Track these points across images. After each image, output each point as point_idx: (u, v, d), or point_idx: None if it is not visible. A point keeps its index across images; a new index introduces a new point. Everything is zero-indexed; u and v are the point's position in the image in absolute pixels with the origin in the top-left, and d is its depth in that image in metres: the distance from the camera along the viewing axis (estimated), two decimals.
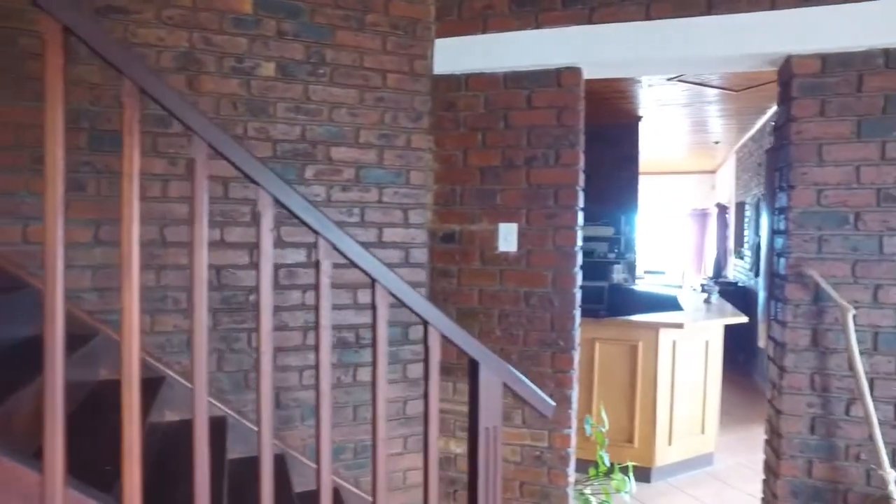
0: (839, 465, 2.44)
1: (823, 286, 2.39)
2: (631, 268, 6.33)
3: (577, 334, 2.84)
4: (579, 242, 2.76)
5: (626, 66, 2.75)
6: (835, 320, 2.42)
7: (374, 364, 1.53)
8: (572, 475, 2.88)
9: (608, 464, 2.97)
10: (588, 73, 2.79)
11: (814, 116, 2.45)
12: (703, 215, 10.03)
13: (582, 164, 2.78)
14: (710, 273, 7.88)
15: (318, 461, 1.46)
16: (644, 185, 10.67)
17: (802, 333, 2.48)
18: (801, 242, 2.47)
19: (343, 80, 2.74)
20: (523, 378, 1.70)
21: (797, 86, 2.47)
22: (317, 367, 1.47)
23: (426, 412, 1.59)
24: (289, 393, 2.71)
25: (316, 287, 1.47)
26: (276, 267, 2.65)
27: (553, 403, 1.75)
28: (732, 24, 2.50)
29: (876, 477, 2.34)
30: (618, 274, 6.12)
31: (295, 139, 2.68)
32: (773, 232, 2.76)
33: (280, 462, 2.54)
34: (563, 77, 2.71)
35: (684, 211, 10.56)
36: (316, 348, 1.48)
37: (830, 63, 2.43)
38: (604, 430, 3.04)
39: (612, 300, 5.86)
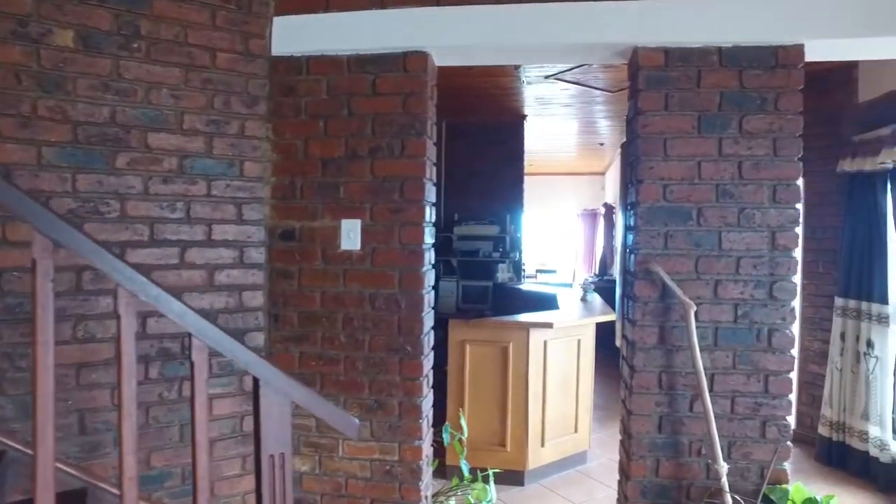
0: (683, 461, 2.42)
1: (668, 283, 2.35)
2: (516, 267, 6.32)
3: (429, 339, 2.68)
4: (428, 240, 2.59)
5: (477, 52, 2.61)
6: (680, 317, 2.39)
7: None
8: (427, 488, 2.71)
9: (468, 473, 2.82)
10: (438, 60, 2.64)
11: (659, 110, 2.41)
12: (593, 215, 10.33)
13: (431, 154, 2.62)
14: (597, 271, 8.09)
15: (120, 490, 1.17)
16: (538, 185, 10.89)
17: (651, 331, 2.44)
18: (649, 238, 2.43)
19: (163, 57, 2.42)
20: (318, 397, 1.49)
21: (643, 78, 2.42)
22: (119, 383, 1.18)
23: (193, 438, 1.34)
24: (97, 415, 2.35)
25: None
26: (79, 269, 2.30)
27: (356, 422, 1.55)
28: (582, 11, 2.42)
29: (714, 470, 2.32)
30: (503, 273, 6.07)
31: (102, 122, 2.33)
32: (626, 228, 2.72)
33: (79, 499, 2.19)
34: (409, 61, 2.53)
35: (576, 211, 10.84)
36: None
37: (673, 57, 2.40)
38: (463, 437, 2.89)
39: (497, 300, 5.80)
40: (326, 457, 2.64)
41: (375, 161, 2.56)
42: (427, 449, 2.68)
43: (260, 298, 2.66)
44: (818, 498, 2.27)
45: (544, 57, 2.64)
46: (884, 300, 3.85)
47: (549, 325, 3.72)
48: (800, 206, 2.36)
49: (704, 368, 2.39)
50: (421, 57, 2.52)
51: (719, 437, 2.39)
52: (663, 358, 2.42)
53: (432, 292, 2.72)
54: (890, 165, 3.73)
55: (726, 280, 2.39)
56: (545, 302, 4.92)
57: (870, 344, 3.94)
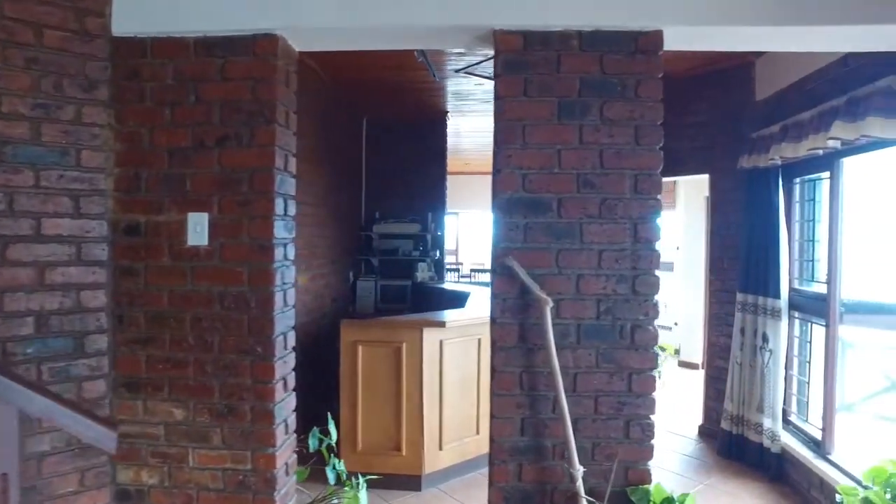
0: (546, 465, 2.27)
1: (523, 278, 2.20)
2: (438, 266, 6.14)
3: (286, 339, 2.47)
4: (282, 234, 2.38)
5: (332, 36, 2.41)
6: (540, 314, 2.24)
7: None
8: (288, 498, 2.49)
9: (333, 480, 2.61)
10: (295, 44, 2.43)
11: (518, 96, 2.26)
12: None
13: (284, 143, 2.41)
14: None
15: None
16: (476, 184, 10.76)
17: (511, 329, 2.28)
18: (508, 231, 2.27)
19: None
20: (63, 406, 1.25)
21: (501, 63, 2.27)
22: None
23: None
24: None
25: None
26: None
27: (113, 434, 1.32)
28: None
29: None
30: (423, 272, 5.88)
31: None
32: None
33: None
34: (258, 45, 2.31)
35: None
36: None
37: (532, 40, 2.25)
38: (332, 442, 2.68)
39: (416, 299, 5.62)
40: (176, 468, 2.40)
41: (223, 151, 2.33)
42: (286, 457, 2.46)
43: (102, 298, 2.40)
44: (675, 497, 2.15)
45: (403, 41, 2.46)
46: (776, 295, 3.81)
47: (441, 325, 3.54)
48: (660, 197, 2.24)
49: (567, 367, 2.25)
50: (271, 40, 2.31)
51: (584, 438, 2.26)
52: (524, 357, 2.26)
53: (291, 290, 2.51)
54: (779, 162, 3.69)
55: (588, 275, 2.24)
56: (458, 300, 4.75)
57: (765, 338, 3.90)
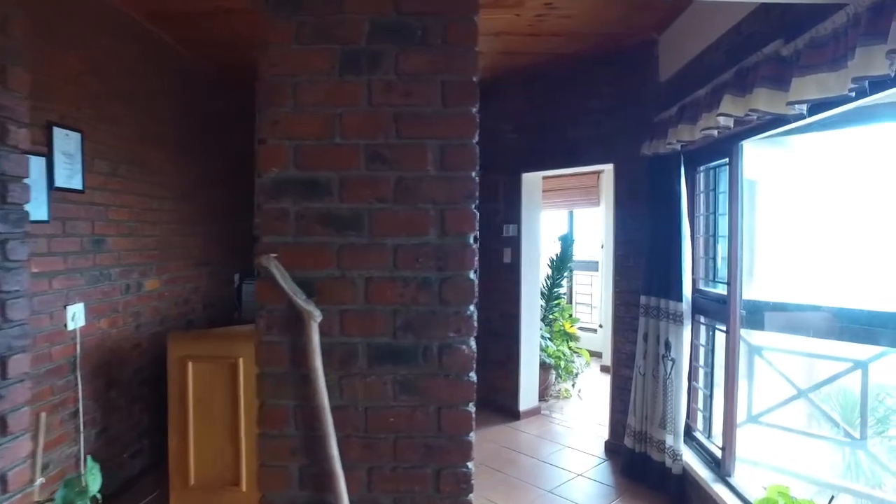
0: None
1: (280, 283, 1.58)
2: None
3: (2, 366, 1.79)
4: None
5: None
6: (308, 331, 1.62)
7: None
8: None
9: None
10: None
11: (288, 43, 1.64)
12: None
13: None
14: None
15: None
16: None
17: (279, 350, 1.66)
18: (273, 221, 1.65)
19: None
20: None
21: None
22: None
23: None
24: None
25: None
26: None
27: None
28: None
29: None
30: None
31: None
32: None
33: None
34: None
35: None
36: None
37: None
38: (97, 494, 2.02)
39: None
40: None
41: None
42: None
43: None
44: None
45: None
46: (679, 297, 3.28)
47: None
48: (475, 174, 1.65)
49: (354, 400, 1.64)
50: None
51: (380, 493, 1.65)
52: (298, 387, 1.65)
53: (17, 302, 1.84)
54: (678, 146, 3.16)
55: (380, 278, 1.64)
56: None
57: (667, 345, 3.36)
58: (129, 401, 3.33)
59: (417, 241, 1.63)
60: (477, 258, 1.66)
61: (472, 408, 1.65)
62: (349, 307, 1.63)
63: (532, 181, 4.70)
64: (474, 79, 1.63)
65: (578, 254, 7.34)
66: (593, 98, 4.13)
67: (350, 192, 1.63)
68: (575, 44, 3.88)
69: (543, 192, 7.47)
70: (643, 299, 3.59)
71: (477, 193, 1.65)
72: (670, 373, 3.32)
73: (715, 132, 2.66)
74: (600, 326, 6.50)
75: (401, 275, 1.63)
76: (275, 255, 1.61)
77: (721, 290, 3.15)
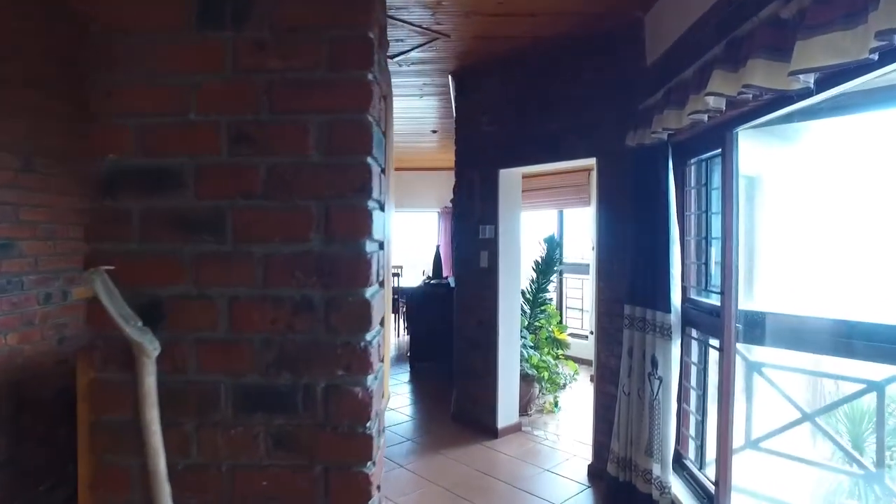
0: None
1: (106, 305, 1.17)
2: None
3: None
4: None
5: None
6: (173, 367, 1.21)
7: None
8: None
9: None
10: None
11: None
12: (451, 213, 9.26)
13: None
14: (431, 274, 7.00)
15: None
16: (396, 181, 9.73)
17: (119, 392, 1.24)
18: (106, 224, 1.24)
19: None
20: None
21: None
22: None
23: None
24: None
25: None
26: None
27: None
28: None
29: None
30: None
31: None
32: None
33: None
34: None
35: (438, 208, 9.74)
36: None
37: None
38: None
39: None
40: None
41: None
42: None
43: None
44: None
45: None
46: (666, 307, 2.85)
47: None
48: (371, 160, 1.23)
49: (218, 457, 1.23)
50: None
51: None
52: (138, 439, 1.24)
53: None
54: (664, 135, 2.73)
55: (248, 297, 1.23)
56: None
57: (654, 362, 2.93)
58: (49, 425, 2.93)
59: (296, 249, 1.22)
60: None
61: (371, 468, 1.23)
62: (207, 335, 1.22)
63: (510, 178, 4.28)
64: (371, 35, 1.22)
65: (569, 256, 6.91)
66: (575, 86, 3.71)
67: (208, 185, 1.22)
68: (555, 26, 3.45)
69: (531, 191, 7.05)
70: (627, 309, 3.17)
71: (374, 184, 1.24)
72: (657, 393, 2.89)
73: (705, 117, 2.24)
74: (591, 333, 6.07)
75: (274, 294, 1.22)
76: (109, 267, 1.21)
77: (715, 300, 2.72)
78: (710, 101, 2.08)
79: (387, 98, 1.59)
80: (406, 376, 6.05)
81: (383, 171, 1.41)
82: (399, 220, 10.61)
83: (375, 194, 1.24)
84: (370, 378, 1.23)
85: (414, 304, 6.40)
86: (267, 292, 1.22)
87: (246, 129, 1.22)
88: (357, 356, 1.22)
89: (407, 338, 6.91)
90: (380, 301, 1.31)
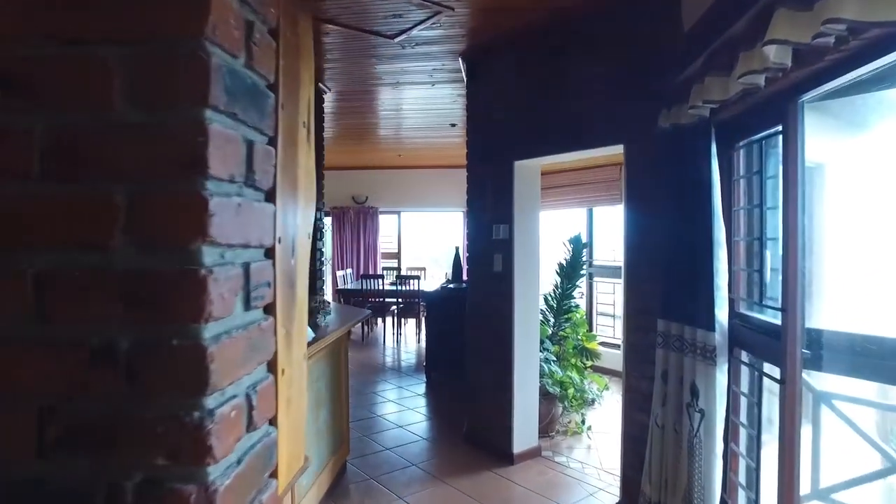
0: None
1: None
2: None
3: None
4: None
5: None
6: None
7: None
8: None
9: None
10: None
11: None
12: None
13: None
14: (450, 276, 6.49)
15: None
16: (415, 179, 9.26)
17: None
18: None
19: None
20: None
21: None
22: None
23: None
24: None
25: None
26: None
27: None
28: None
29: None
30: None
31: None
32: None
33: None
34: None
35: (463, 208, 9.24)
36: None
37: None
38: None
39: None
40: None
41: None
42: None
43: None
44: None
45: None
46: (709, 324, 2.27)
47: None
48: (214, 115, 0.74)
49: None
50: None
51: None
52: None
53: None
54: (705, 111, 2.16)
55: (13, 339, 0.76)
56: None
57: (694, 391, 2.36)
58: None
59: (91, 261, 0.74)
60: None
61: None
62: None
63: (527, 171, 3.74)
64: None
65: (599, 257, 6.30)
66: (598, 63, 3.15)
67: None
68: None
69: (556, 188, 6.46)
70: (661, 325, 2.60)
71: (221, 155, 0.75)
72: (698, 429, 2.31)
73: (762, 79, 1.67)
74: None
75: (58, 333, 0.74)
76: None
77: (772, 316, 2.13)
78: (771, 53, 1.52)
79: (296, 25, 1.09)
80: (421, 387, 5.57)
81: (271, 140, 0.92)
82: (421, 220, 10.17)
83: (222, 171, 0.76)
84: (214, 470, 0.75)
85: (431, 310, 5.92)
86: (44, 330, 0.75)
87: (11, 66, 0.75)
88: (189, 435, 0.73)
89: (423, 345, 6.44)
90: (243, 342, 0.82)
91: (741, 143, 2.35)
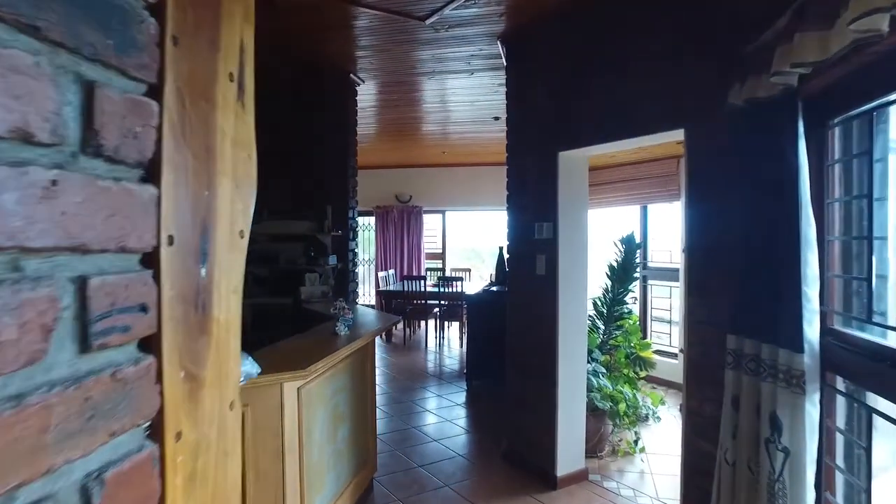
0: None
1: None
2: (343, 277, 4.38)
3: None
4: None
5: None
6: None
7: None
8: None
9: None
10: None
11: None
12: None
13: None
14: (494, 279, 6.09)
15: None
16: (463, 177, 8.91)
17: None
18: None
19: None
20: None
21: None
22: None
23: None
24: None
25: None
26: None
27: None
28: None
29: None
30: (312, 286, 4.12)
31: None
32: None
33: None
34: None
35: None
36: None
37: None
38: None
39: (300, 323, 3.92)
40: None
41: None
42: None
43: None
44: None
45: None
46: (796, 343, 1.82)
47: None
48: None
49: None
50: None
51: None
52: None
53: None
54: (793, 78, 1.71)
55: None
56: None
57: (776, 424, 1.90)
58: None
59: None
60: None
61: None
62: None
63: (572, 162, 3.32)
64: None
65: (655, 259, 5.77)
66: (650, 37, 2.71)
67: None
68: None
69: (606, 184, 5.96)
70: (731, 341, 2.15)
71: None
72: (781, 471, 1.86)
73: (885, 22, 1.23)
74: (681, 351, 4.92)
75: None
76: None
77: (880, 337, 1.66)
78: None
79: None
80: (461, 397, 5.22)
81: (152, 88, 0.61)
82: (467, 219, 9.82)
83: None
84: None
85: (473, 314, 5.56)
86: None
87: None
88: None
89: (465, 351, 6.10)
90: (63, 407, 0.50)
91: (836, 121, 1.88)
